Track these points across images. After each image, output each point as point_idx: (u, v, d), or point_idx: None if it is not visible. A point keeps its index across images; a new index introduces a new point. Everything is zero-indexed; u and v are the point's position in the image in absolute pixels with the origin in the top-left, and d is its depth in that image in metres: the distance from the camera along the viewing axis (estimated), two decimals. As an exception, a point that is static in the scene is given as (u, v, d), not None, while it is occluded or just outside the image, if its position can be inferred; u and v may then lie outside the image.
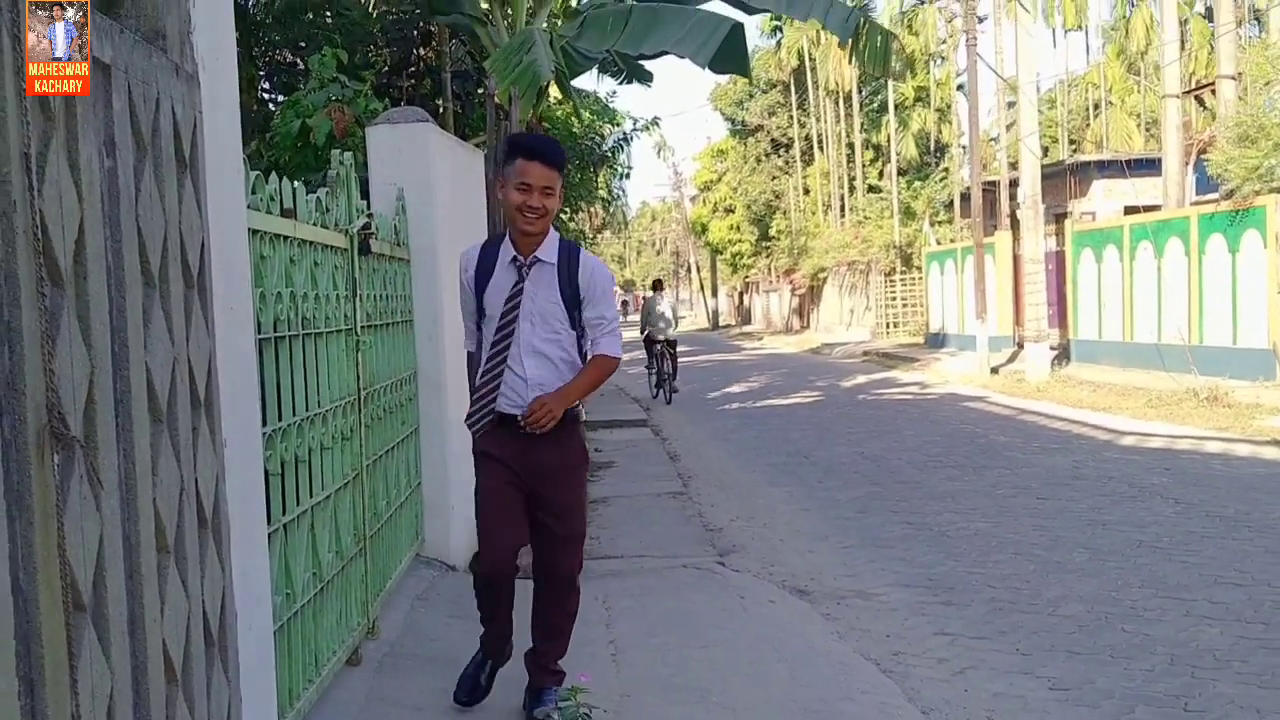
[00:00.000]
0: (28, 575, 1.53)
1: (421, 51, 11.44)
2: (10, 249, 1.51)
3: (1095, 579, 6.41)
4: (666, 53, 9.01)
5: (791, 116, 48.58)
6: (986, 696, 4.75)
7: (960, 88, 37.62)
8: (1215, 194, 17.57)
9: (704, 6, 9.54)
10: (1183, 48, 27.15)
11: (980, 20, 24.79)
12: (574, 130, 14.96)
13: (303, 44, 10.42)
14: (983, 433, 13.26)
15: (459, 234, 6.45)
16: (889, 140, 41.52)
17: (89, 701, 1.66)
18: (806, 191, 48.12)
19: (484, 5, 9.62)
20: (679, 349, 19.54)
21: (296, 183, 3.89)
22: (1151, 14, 33.10)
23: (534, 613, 4.08)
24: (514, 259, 3.88)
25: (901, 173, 40.90)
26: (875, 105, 44.66)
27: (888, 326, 35.06)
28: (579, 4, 11.01)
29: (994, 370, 21.49)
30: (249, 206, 3.17)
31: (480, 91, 11.06)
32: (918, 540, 7.63)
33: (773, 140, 50.02)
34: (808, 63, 45.28)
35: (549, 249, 3.91)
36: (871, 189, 43.50)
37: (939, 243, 32.50)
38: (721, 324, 64.90)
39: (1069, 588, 6.27)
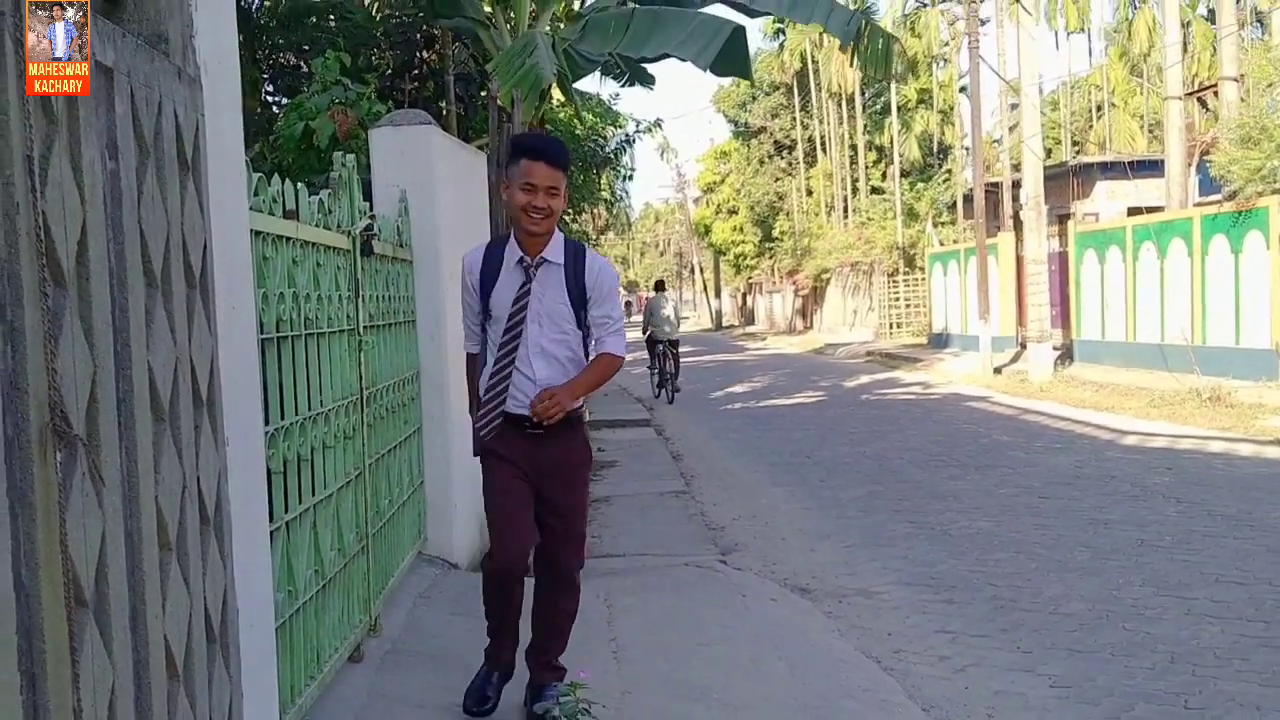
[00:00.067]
0: (30, 571, 1.55)
1: (424, 54, 11.47)
2: (13, 250, 1.53)
3: (1096, 577, 6.43)
4: (668, 55, 9.04)
5: (794, 118, 48.59)
6: (987, 694, 4.77)
7: (963, 90, 37.57)
8: (1218, 195, 17.56)
9: (706, 9, 9.57)
10: (1185, 50, 27.16)
11: (982, 23, 24.80)
12: (577, 132, 14.99)
13: (306, 47, 10.45)
14: (985, 432, 13.27)
15: (461, 235, 6.47)
16: (892, 142, 41.52)
17: (90, 696, 1.68)
18: (809, 193, 48.12)
19: (487, 8, 9.65)
20: (681, 349, 19.57)
21: (299, 185, 3.92)
22: (1154, 16, 33.08)
23: (535, 610, 4.10)
24: (520, 260, 3.87)
25: (904, 174, 40.89)
26: (878, 107, 44.66)
27: (891, 327, 35.06)
28: (581, 7, 11.03)
29: (997, 370, 21.49)
30: (251, 208, 3.19)
31: (483, 94, 11.10)
32: (920, 539, 7.65)
33: (776, 142, 50.03)
34: (810, 65, 45.29)
35: (555, 249, 3.90)
36: (874, 190, 43.48)
37: (942, 244, 32.50)
38: (725, 325, 64.92)
39: (1070, 586, 6.28)
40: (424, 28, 11.02)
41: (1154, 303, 18.47)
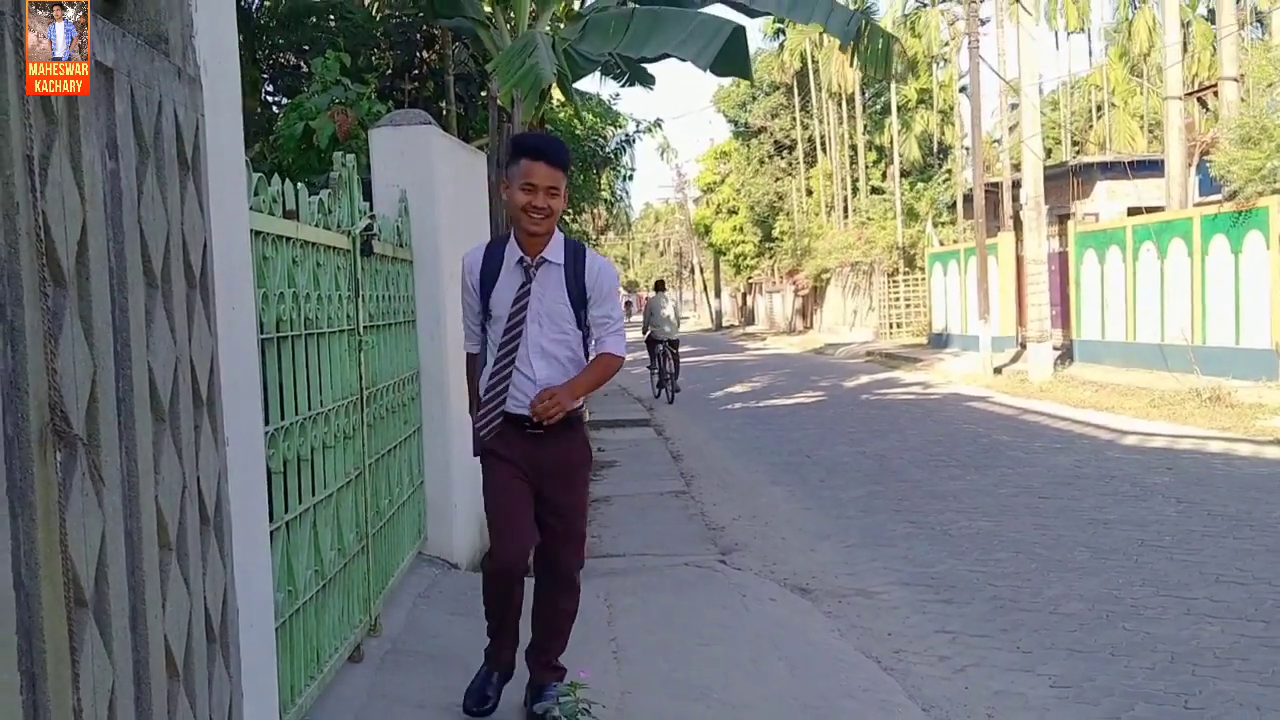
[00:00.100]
0: (30, 571, 1.55)
1: (424, 54, 11.48)
2: (13, 249, 1.53)
3: (1096, 577, 6.43)
4: (668, 55, 9.05)
5: (794, 118, 48.61)
6: (987, 694, 4.77)
7: (963, 89, 37.58)
8: (1218, 195, 17.56)
9: (705, 9, 9.58)
10: (1185, 50, 27.17)
11: (982, 23, 24.80)
12: (577, 132, 14.99)
13: (306, 47, 10.45)
14: (985, 432, 13.27)
15: (461, 235, 6.47)
16: (892, 142, 41.53)
17: (90, 696, 1.68)
18: (809, 193, 48.13)
19: (486, 8, 9.65)
20: (681, 349, 19.60)
21: (299, 184, 3.92)
22: (1154, 16, 33.09)
23: (535, 610, 4.10)
24: (520, 260, 3.86)
25: (904, 174, 40.89)
26: (878, 107, 44.68)
27: (891, 327, 35.07)
28: (581, 7, 11.04)
29: (997, 370, 21.50)
30: (251, 208, 3.19)
31: (483, 94, 11.11)
32: (919, 539, 7.65)
33: (776, 142, 50.05)
34: (810, 65, 45.31)
35: (555, 249, 3.89)
36: (874, 190, 43.50)
37: (942, 244, 32.50)
38: (725, 324, 64.95)
39: (1070, 586, 6.28)
40: (424, 28, 11.03)
41: (1154, 303, 18.48)
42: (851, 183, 44.98)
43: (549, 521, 3.96)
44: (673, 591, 6.10)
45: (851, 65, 33.91)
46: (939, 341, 28.92)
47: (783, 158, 50.02)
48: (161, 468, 2.05)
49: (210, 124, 2.46)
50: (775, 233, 49.42)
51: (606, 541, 7.77)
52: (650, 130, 19.19)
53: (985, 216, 23.52)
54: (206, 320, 2.37)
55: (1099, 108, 37.62)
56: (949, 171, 37.95)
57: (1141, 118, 35.34)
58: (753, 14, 10.00)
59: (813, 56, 44.62)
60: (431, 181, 6.08)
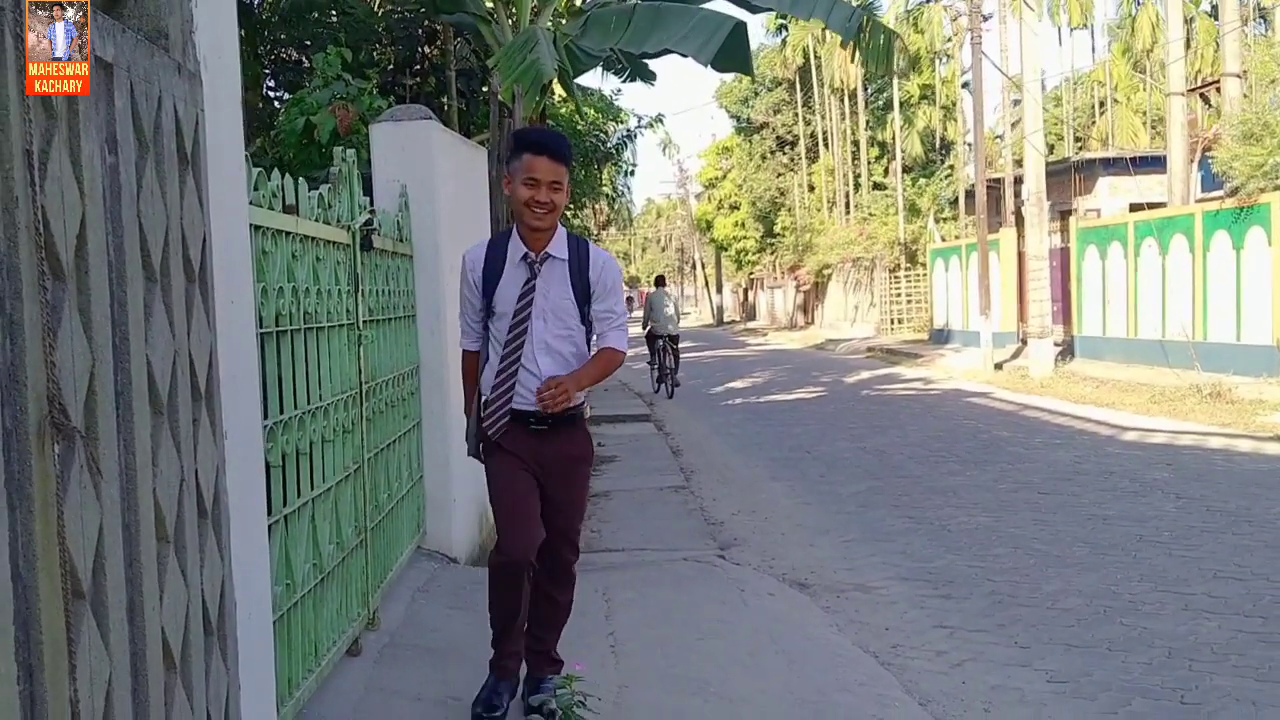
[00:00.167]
0: (27, 563, 1.56)
1: (426, 50, 11.49)
2: (13, 243, 1.54)
3: (1095, 573, 6.44)
4: (669, 51, 9.06)
5: (797, 114, 48.57)
6: (984, 689, 4.78)
7: (965, 85, 37.54)
8: (1220, 191, 17.57)
9: (707, 5, 9.59)
10: (1188, 45, 27.14)
11: (985, 18, 24.76)
12: (578, 127, 14.99)
13: (308, 42, 10.47)
14: (985, 428, 13.28)
15: (461, 230, 6.49)
16: (894, 137, 41.50)
17: (87, 687, 1.70)
18: (811, 188, 48.12)
19: (488, 4, 9.66)
20: (682, 345, 19.62)
21: (299, 179, 3.93)
22: (1157, 12, 33.01)
23: (532, 602, 4.09)
24: (525, 256, 3.84)
25: (906, 170, 40.87)
26: (880, 103, 44.65)
27: (892, 323, 35.09)
28: (583, 2, 11.07)
29: (998, 366, 21.50)
30: (251, 203, 3.20)
31: (484, 89, 11.12)
32: (918, 534, 7.66)
33: (778, 137, 50.04)
34: (813, 60, 45.26)
35: (559, 244, 3.87)
36: (876, 186, 43.49)
37: (944, 239, 32.50)
38: (726, 320, 64.95)
39: (1068, 581, 6.29)
40: (425, 23, 11.04)
41: (1155, 299, 18.48)
42: (853, 178, 44.95)
43: (550, 516, 3.96)
44: (671, 586, 6.12)
45: (853, 61, 33.87)
46: (940, 337, 28.93)
47: (785, 153, 49.99)
48: (160, 461, 2.06)
49: (210, 119, 2.47)
50: (777, 228, 49.42)
51: (606, 536, 7.79)
52: (652, 125, 19.22)
53: (987, 212, 23.52)
54: (205, 314, 2.38)
55: (1101, 104, 37.61)
56: (951, 167, 37.95)
57: (1144, 114, 35.32)
58: (754, 10, 10.01)
59: (815, 52, 44.58)
60: (432, 177, 6.09)
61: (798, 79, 47.43)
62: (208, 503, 2.33)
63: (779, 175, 49.77)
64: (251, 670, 2.70)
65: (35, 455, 1.58)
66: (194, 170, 2.33)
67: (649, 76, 11.53)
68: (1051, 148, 28.31)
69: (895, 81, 39.30)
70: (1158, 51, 31.59)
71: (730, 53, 8.92)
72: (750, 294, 62.33)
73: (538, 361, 3.82)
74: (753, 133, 50.88)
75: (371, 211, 4.97)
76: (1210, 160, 17.93)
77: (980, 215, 23.30)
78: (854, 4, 9.53)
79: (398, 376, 5.54)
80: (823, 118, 46.90)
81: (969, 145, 31.19)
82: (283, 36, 10.80)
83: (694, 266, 77.79)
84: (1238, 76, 19.32)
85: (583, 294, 3.88)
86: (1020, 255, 24.18)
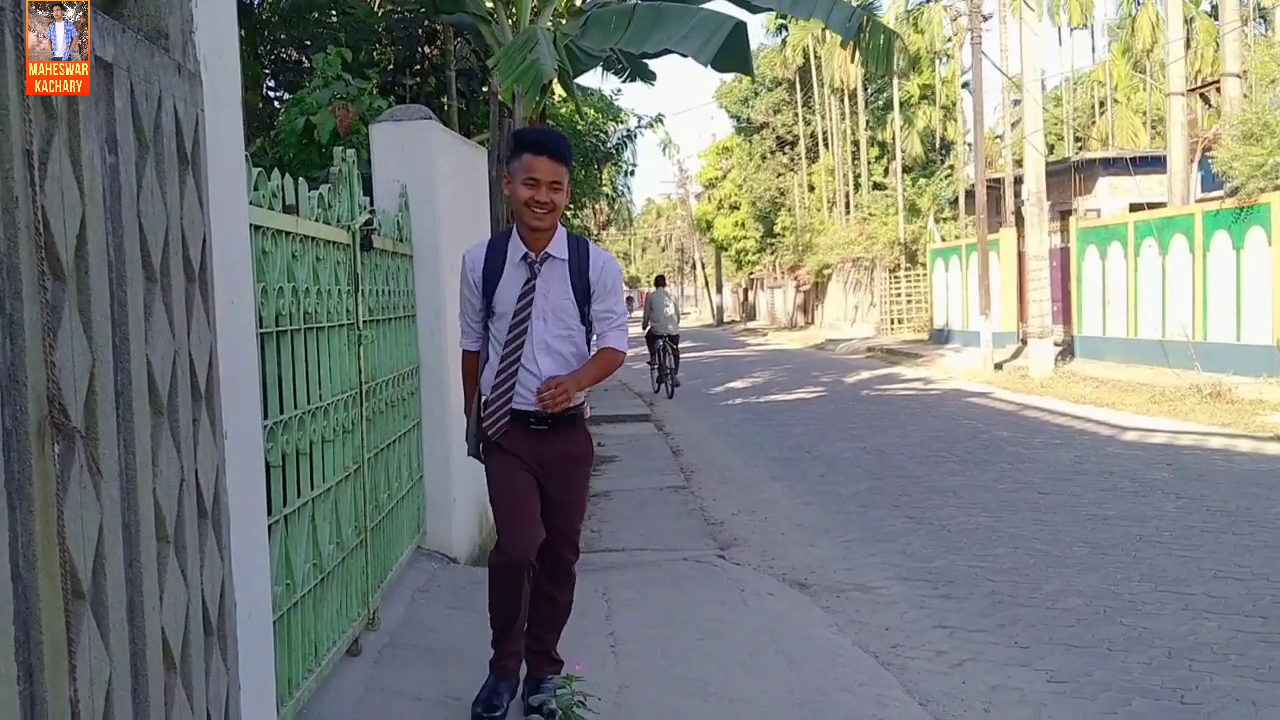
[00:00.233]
0: (27, 563, 1.57)
1: (426, 50, 11.49)
2: (13, 243, 1.54)
3: (1095, 573, 6.44)
4: (669, 51, 9.06)
5: (797, 114, 48.57)
6: (984, 689, 4.78)
7: (965, 85, 37.54)
8: (1220, 191, 17.57)
9: (707, 5, 9.59)
10: (1188, 45, 27.14)
11: (985, 18, 24.76)
12: (578, 127, 15.00)
13: (308, 42, 10.47)
14: (985, 428, 13.28)
15: (461, 230, 6.49)
16: (894, 137, 41.51)
17: (87, 687, 1.70)
18: (811, 188, 48.12)
19: (488, 4, 9.66)
20: (682, 345, 19.64)
21: (299, 179, 3.92)
22: (1157, 12, 33.02)
23: (531, 602, 4.09)
24: (525, 256, 3.83)
25: (906, 170, 40.88)
26: (880, 103, 44.65)
27: (892, 323, 35.09)
28: (583, 2, 11.06)
29: (998, 366, 21.50)
30: (251, 203, 3.20)
31: (484, 89, 11.12)
32: (918, 534, 7.66)
33: (778, 137, 50.05)
34: (813, 60, 45.27)
35: (559, 245, 3.86)
36: (876, 186, 43.49)
37: (943, 239, 32.50)
38: (726, 320, 64.96)
39: (1068, 582, 6.29)
40: (426, 23, 11.05)
41: (1155, 299, 18.49)
42: (853, 178, 44.96)
43: (549, 516, 3.95)
44: (671, 586, 6.12)
45: (853, 61, 33.85)
46: (940, 337, 28.93)
47: (785, 153, 50.00)
48: (160, 461, 2.06)
49: (210, 119, 2.47)
50: (777, 228, 49.42)
51: (606, 536, 7.79)
52: (652, 125, 19.22)
53: (987, 212, 23.53)
54: (205, 314, 2.38)
55: (1101, 104, 37.61)
56: (951, 167, 37.95)
57: (1144, 114, 35.32)
58: (754, 10, 10.01)
59: (815, 52, 44.59)
60: (432, 176, 6.09)
61: (798, 79, 47.43)
62: (208, 503, 2.33)
63: (779, 175, 49.78)
64: (251, 670, 2.70)
65: (35, 455, 1.58)
66: (194, 170, 2.33)
67: (649, 77, 11.53)
68: (1051, 148, 28.32)
69: (895, 81, 39.30)
70: (1158, 51, 31.60)
71: (730, 53, 8.92)
72: (750, 294, 62.35)
73: (538, 361, 3.81)
74: (753, 133, 50.88)
75: (371, 211, 4.97)
76: (1210, 160, 17.93)
77: (980, 215, 23.30)
78: (854, 4, 9.54)
79: (398, 376, 5.54)
80: (823, 118, 46.90)
81: (969, 145, 31.21)
82: (283, 36, 10.81)
83: (694, 266, 77.80)
84: (1238, 76, 19.32)
85: (583, 294, 3.87)
86: (1020, 255, 24.19)
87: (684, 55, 8.94)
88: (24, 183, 1.55)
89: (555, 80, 8.41)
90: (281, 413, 3.63)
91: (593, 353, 3.98)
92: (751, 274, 57.97)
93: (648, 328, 18.91)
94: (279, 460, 3.57)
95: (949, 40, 40.00)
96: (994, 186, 27.07)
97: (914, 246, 35.82)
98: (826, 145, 46.82)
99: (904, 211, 37.99)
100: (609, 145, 17.45)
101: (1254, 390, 14.46)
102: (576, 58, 9.41)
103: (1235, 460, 10.26)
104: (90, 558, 1.74)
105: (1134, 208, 22.42)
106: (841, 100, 44.82)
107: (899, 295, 35.22)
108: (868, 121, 44.31)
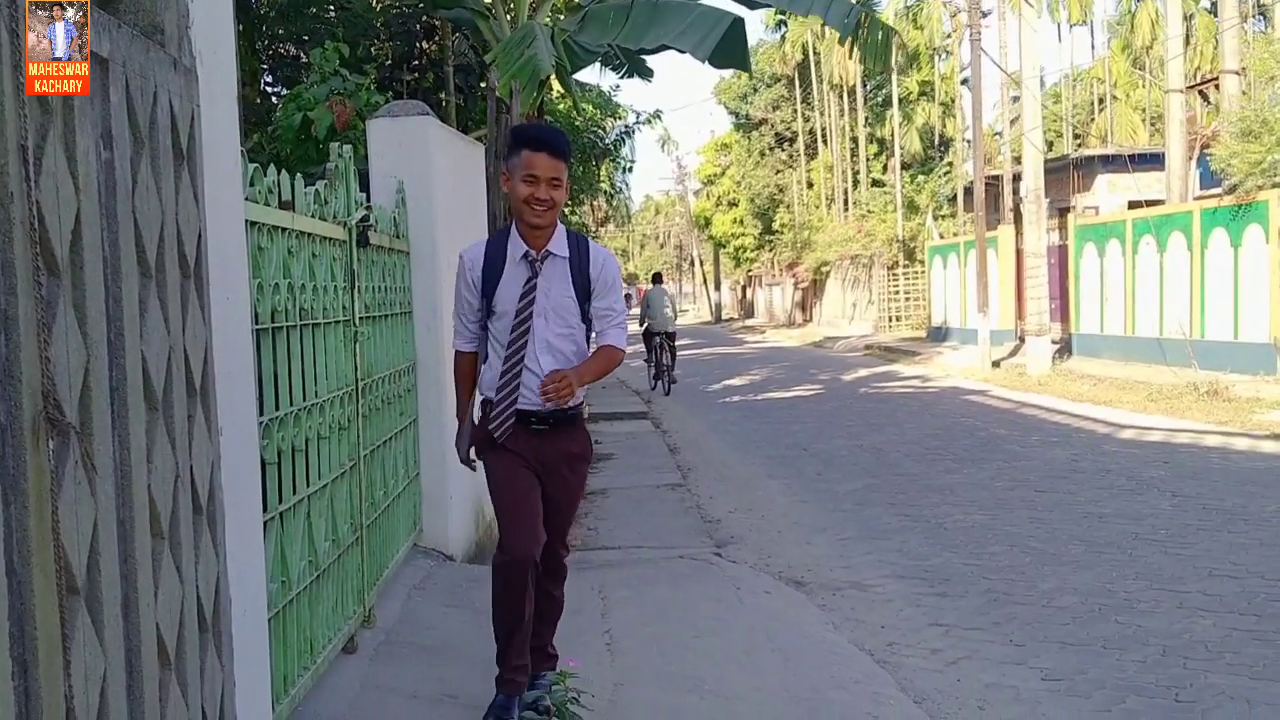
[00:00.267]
0: (22, 558, 1.57)
1: (424, 45, 11.48)
2: (7, 239, 1.54)
3: (1090, 571, 6.45)
4: (667, 47, 9.05)
5: (795, 110, 48.57)
6: (979, 686, 4.79)
7: (964, 82, 37.57)
8: (1218, 189, 17.57)
9: (705, 1, 9.57)
10: (1187, 43, 27.15)
11: (984, 15, 24.75)
12: (576, 123, 14.99)
13: (306, 38, 10.46)
14: (982, 426, 13.29)
15: (459, 227, 6.48)
16: (893, 134, 41.49)
17: (82, 683, 1.70)
18: (810, 185, 48.12)
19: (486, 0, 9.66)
20: (679, 342, 19.67)
21: (296, 175, 3.92)
22: (1156, 9, 33.02)
23: (528, 600, 4.09)
24: (525, 254, 3.79)
25: (905, 167, 40.87)
26: (879, 99, 44.64)
27: (890, 320, 35.10)
28: (581, -2, 11.04)
29: (995, 364, 21.51)
30: (247, 198, 3.20)
31: (482, 85, 11.11)
32: (915, 532, 7.67)
33: (776, 134, 50.04)
34: (812, 57, 45.26)
35: (559, 242, 3.83)
36: (875, 183, 43.47)
37: (942, 237, 32.51)
38: (724, 317, 64.98)
39: (1064, 580, 6.30)
40: (423, 19, 11.04)
41: (1153, 297, 18.50)
42: (852, 175, 44.96)
43: (548, 514, 3.94)
44: (668, 584, 6.12)
45: (851, 58, 33.81)
46: (938, 335, 28.95)
47: (783, 150, 50.01)
48: (154, 457, 2.06)
49: (206, 114, 2.47)
50: (775, 225, 49.43)
51: (602, 534, 7.79)
52: (650, 122, 19.20)
53: (986, 209, 23.51)
54: (200, 310, 2.38)
55: (1100, 101, 37.59)
56: (950, 164, 37.94)
57: (1143, 111, 35.32)
58: (753, 6, 10.01)
59: (814, 48, 44.57)
60: (429, 173, 6.08)
61: (796, 75, 47.41)
62: (203, 499, 2.33)
63: (778, 172, 49.78)
64: (247, 667, 2.70)
65: (30, 451, 1.58)
66: (189, 166, 2.33)
67: (646, 73, 11.52)
68: (1050, 145, 28.32)
69: (894, 78, 39.32)
70: (1157, 48, 31.60)
71: (728, 49, 8.92)
72: (748, 291, 62.35)
73: (540, 360, 3.77)
74: (751, 129, 50.88)
75: (368, 208, 4.97)
76: (1209, 157, 17.94)
77: (979, 212, 23.29)
78: (852, 0, 9.53)
79: (394, 373, 5.54)
80: (821, 114, 46.89)
81: (968, 142, 31.21)
82: (280, 32, 10.80)
83: (692, 263, 77.79)
84: (1237, 73, 19.32)
85: (583, 291, 3.84)
86: (1018, 253, 24.20)
87: (682, 51, 8.93)
88: (19, 178, 1.55)
89: (553, 76, 8.40)
90: (277, 409, 3.62)
91: (592, 350, 3.96)
92: (750, 271, 57.97)
93: (645, 325, 18.92)
94: (274, 457, 3.57)
95: (948, 36, 39.99)
96: (993, 184, 27.07)
97: (912, 244, 35.80)
98: (825, 142, 46.81)
99: (902, 209, 37.98)
100: (607, 141, 17.46)
101: (1251, 388, 14.48)
102: (574, 53, 9.39)
103: (1232, 458, 10.27)
104: (85, 554, 1.74)
105: (1133, 205, 22.43)
106: (840, 97, 44.81)
107: (897, 292, 35.23)
108: (867, 118, 44.29)
